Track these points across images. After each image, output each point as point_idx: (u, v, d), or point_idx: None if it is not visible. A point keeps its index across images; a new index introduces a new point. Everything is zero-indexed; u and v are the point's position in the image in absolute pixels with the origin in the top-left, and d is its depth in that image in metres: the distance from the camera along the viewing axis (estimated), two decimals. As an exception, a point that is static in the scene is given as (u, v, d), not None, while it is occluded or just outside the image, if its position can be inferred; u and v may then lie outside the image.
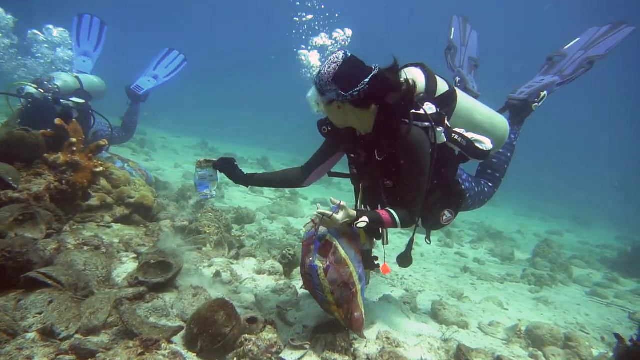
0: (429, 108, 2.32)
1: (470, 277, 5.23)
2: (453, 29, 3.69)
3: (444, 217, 2.67)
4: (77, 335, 1.95)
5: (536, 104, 3.38)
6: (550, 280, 5.41)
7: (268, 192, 8.82)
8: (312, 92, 2.28)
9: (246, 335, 2.25)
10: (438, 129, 2.31)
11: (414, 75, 2.49)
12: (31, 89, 4.48)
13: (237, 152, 14.42)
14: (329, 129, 2.53)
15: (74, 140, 3.15)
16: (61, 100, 4.59)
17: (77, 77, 5.22)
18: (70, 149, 3.13)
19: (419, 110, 2.30)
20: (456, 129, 2.46)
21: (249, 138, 21.57)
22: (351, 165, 2.67)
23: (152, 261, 2.69)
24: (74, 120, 3.28)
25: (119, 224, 3.72)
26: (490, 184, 3.26)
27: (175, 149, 12.50)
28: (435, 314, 3.47)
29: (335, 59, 2.15)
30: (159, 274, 2.65)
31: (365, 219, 2.18)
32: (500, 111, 3.38)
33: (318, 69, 2.22)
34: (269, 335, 2.29)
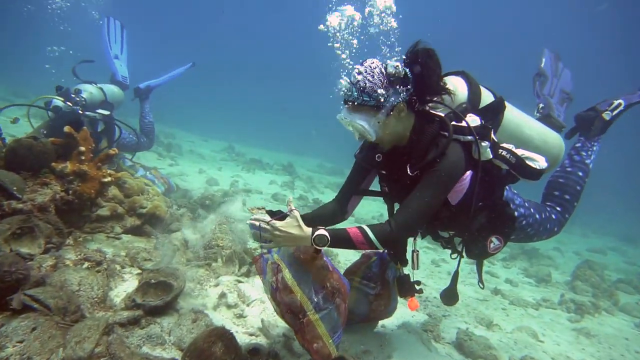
0: (473, 120, 2.05)
1: (502, 300, 4.83)
2: (544, 59, 3.34)
3: (492, 245, 2.31)
4: (58, 368, 1.78)
5: (607, 112, 2.90)
6: (593, 308, 4.92)
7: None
8: (363, 119, 1.98)
9: (244, 371, 2.04)
10: (483, 144, 2.04)
11: (455, 84, 2.22)
12: (59, 102, 4.48)
13: (264, 158, 14.38)
14: (366, 151, 2.33)
15: (82, 149, 3.05)
16: (87, 113, 4.57)
17: (101, 89, 5.21)
18: (78, 158, 3.04)
19: (461, 122, 2.03)
20: (504, 145, 2.18)
21: (276, 143, 21.60)
22: (382, 183, 2.41)
23: (153, 281, 2.52)
24: (84, 128, 3.19)
25: (130, 235, 3.60)
26: (558, 209, 2.86)
27: (202, 154, 12.57)
28: (460, 345, 3.16)
29: (374, 66, 1.93)
30: (159, 295, 2.48)
31: (322, 233, 1.90)
32: (572, 131, 3.02)
33: (350, 90, 1.96)
34: (269, 372, 2.07)
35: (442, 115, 2.07)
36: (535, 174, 2.16)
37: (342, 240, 1.94)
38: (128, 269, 2.94)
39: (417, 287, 2.54)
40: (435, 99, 2.06)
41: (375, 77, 1.91)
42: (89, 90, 4.90)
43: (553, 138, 2.62)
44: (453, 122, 2.03)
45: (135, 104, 6.31)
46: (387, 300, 2.71)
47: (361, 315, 2.70)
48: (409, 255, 2.52)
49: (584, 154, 2.92)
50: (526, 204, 2.66)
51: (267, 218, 1.98)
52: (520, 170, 2.16)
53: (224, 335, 2.09)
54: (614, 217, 17.33)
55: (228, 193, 7.43)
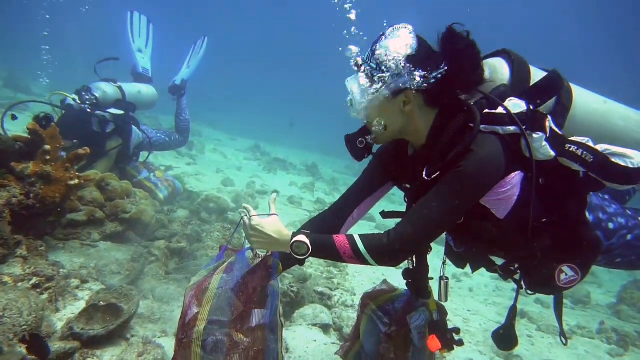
0: (515, 105, 1.51)
1: (528, 325, 4.25)
2: None
3: (563, 276, 1.66)
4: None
5: None
6: None
7: (307, 203, 8.26)
8: (359, 87, 1.57)
9: None
10: (535, 135, 1.47)
11: (493, 65, 1.68)
12: (71, 100, 4.33)
13: (289, 157, 14.04)
14: (368, 142, 1.74)
15: (48, 147, 2.78)
16: (97, 112, 4.38)
17: (119, 87, 5.01)
18: (43, 158, 2.77)
19: (496, 108, 1.50)
20: (574, 138, 1.57)
21: (305, 141, 21.20)
22: (406, 198, 1.87)
23: (101, 303, 2.20)
24: (53, 124, 2.92)
25: (109, 243, 3.33)
26: None
27: (224, 153, 12.38)
28: (470, 385, 2.67)
29: (407, 32, 1.50)
30: (108, 321, 2.15)
31: (302, 239, 1.48)
32: None
33: (374, 48, 1.54)
34: None
35: (471, 104, 1.55)
36: (627, 175, 1.52)
37: (326, 250, 1.53)
38: (89, 285, 2.64)
39: (456, 338, 1.97)
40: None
41: (397, 45, 1.48)
42: (102, 89, 4.71)
43: None
44: (486, 110, 1.52)
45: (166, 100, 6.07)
46: (401, 352, 2.18)
47: (369, 353, 2.21)
48: (436, 284, 2.04)
49: None
50: (628, 212, 1.93)
51: (254, 213, 1.63)
52: (602, 172, 1.53)
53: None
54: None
55: (240, 195, 7.15)
